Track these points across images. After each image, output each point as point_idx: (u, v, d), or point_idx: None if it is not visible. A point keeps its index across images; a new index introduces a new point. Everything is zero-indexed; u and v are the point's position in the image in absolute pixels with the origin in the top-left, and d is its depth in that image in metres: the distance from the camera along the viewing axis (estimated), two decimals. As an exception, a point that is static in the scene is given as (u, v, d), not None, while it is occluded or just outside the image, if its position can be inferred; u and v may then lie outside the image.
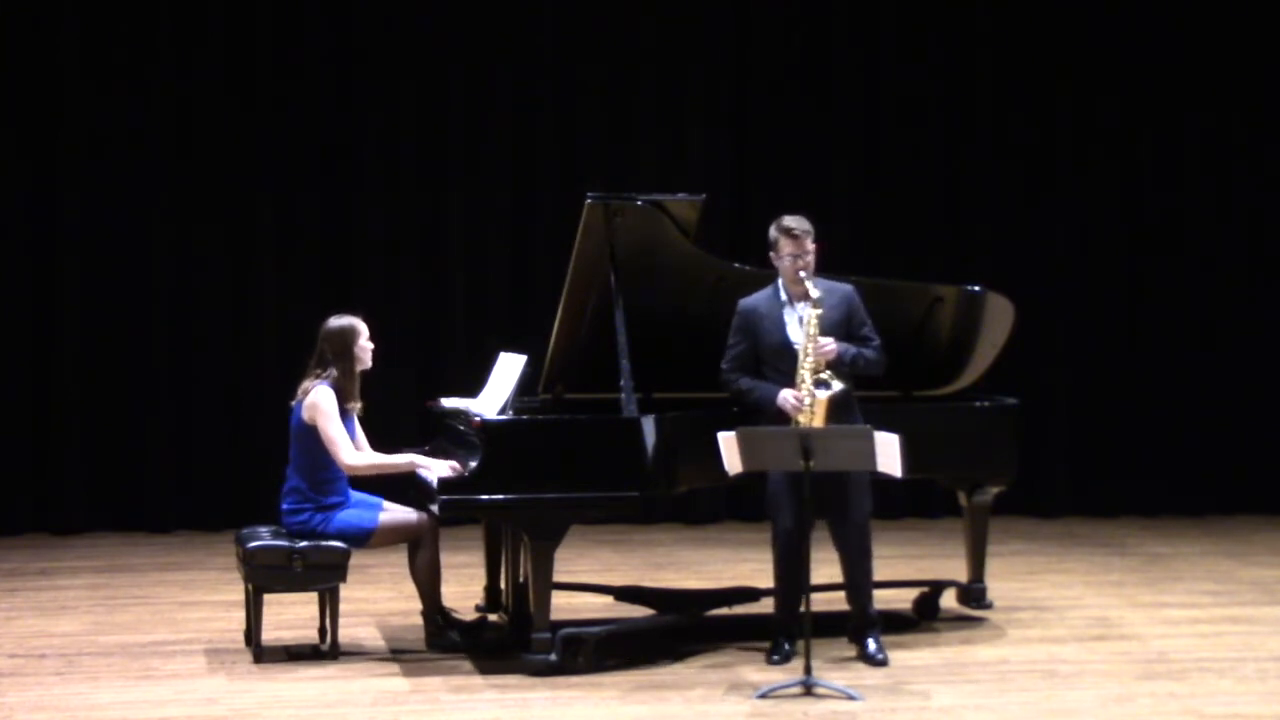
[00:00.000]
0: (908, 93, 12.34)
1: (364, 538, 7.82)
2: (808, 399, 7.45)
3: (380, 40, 11.85)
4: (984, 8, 12.40)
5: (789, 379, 7.54)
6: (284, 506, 7.87)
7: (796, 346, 7.54)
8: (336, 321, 7.93)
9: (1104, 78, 12.47)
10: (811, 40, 12.28)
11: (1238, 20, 12.54)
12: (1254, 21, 12.56)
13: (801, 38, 12.26)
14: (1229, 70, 12.54)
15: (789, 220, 7.66)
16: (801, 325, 7.56)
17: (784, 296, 7.69)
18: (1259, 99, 12.59)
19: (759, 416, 7.62)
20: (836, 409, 7.46)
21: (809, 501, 7.30)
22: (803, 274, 7.58)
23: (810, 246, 7.64)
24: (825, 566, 7.97)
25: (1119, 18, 12.47)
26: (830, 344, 7.50)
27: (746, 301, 7.79)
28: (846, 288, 7.78)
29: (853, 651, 7.85)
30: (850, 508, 7.66)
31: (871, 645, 7.78)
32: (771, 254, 7.69)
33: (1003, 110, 12.41)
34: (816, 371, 7.48)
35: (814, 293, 7.53)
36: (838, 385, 7.45)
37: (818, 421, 7.41)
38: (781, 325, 7.65)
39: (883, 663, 7.71)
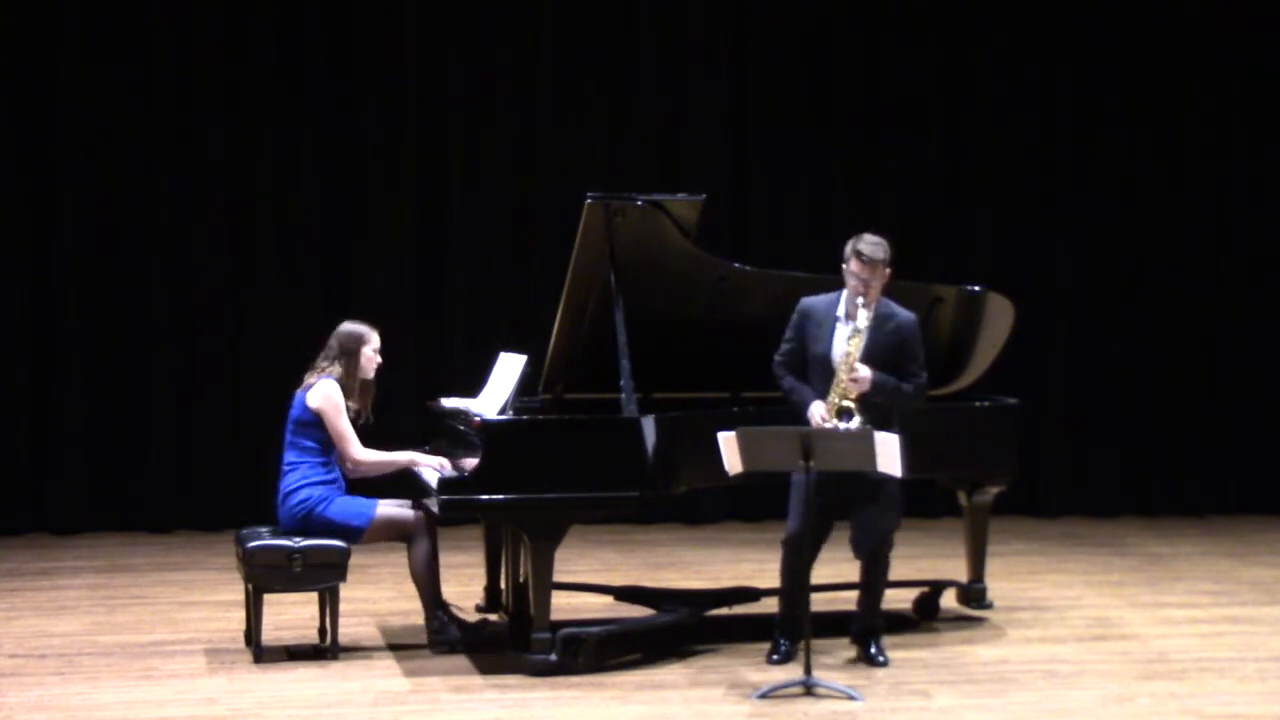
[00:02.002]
0: (907, 92, 12.34)
1: (360, 529, 7.84)
2: (829, 424, 7.43)
3: (380, 40, 11.85)
4: (984, 7, 12.40)
5: (825, 389, 7.53)
6: (282, 492, 7.87)
7: (837, 366, 7.52)
8: (351, 325, 8.06)
9: (1104, 76, 12.47)
10: (811, 40, 12.28)
11: (1238, 20, 12.53)
12: (1254, 22, 12.55)
13: (801, 38, 12.26)
14: (1229, 69, 12.54)
15: (865, 244, 7.54)
16: (846, 344, 7.53)
17: (842, 310, 7.63)
18: (1258, 98, 12.59)
19: (799, 420, 7.60)
20: None
21: (827, 504, 7.33)
22: (860, 299, 7.53)
23: (880, 274, 7.53)
24: (825, 566, 7.96)
25: (1120, 17, 12.47)
26: (865, 375, 7.45)
27: (807, 301, 7.74)
28: (909, 317, 7.69)
29: (853, 652, 7.85)
30: (879, 519, 7.64)
31: (873, 648, 7.79)
32: (844, 265, 7.61)
33: (1002, 110, 12.41)
34: (844, 398, 7.45)
35: (861, 323, 7.49)
36: (857, 420, 7.41)
37: None
38: (829, 337, 7.59)
39: (883, 664, 7.72)
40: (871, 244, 7.55)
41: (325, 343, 8.05)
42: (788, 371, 7.72)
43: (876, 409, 7.50)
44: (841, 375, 7.46)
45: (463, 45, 11.93)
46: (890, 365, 7.57)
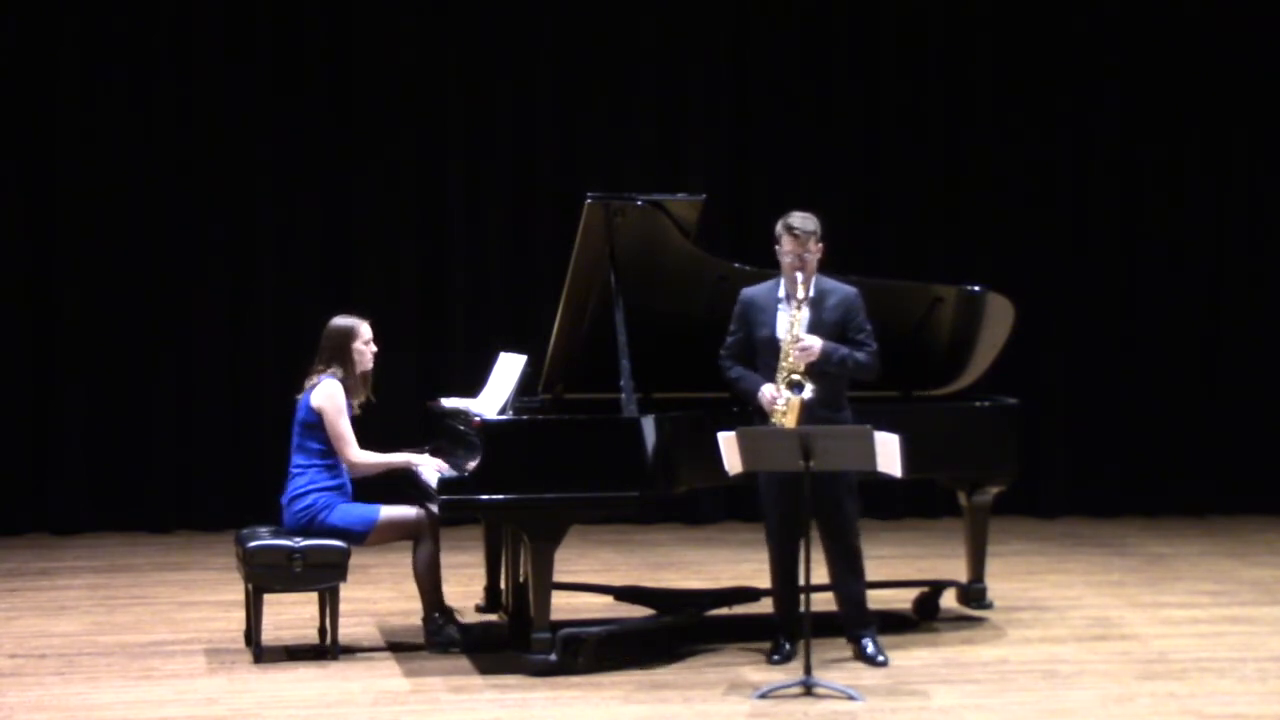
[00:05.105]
0: (907, 92, 12.34)
1: (364, 532, 7.84)
2: (781, 399, 7.45)
3: (380, 40, 11.85)
4: (984, 6, 12.40)
5: (774, 372, 7.55)
6: (288, 495, 7.88)
7: (782, 343, 7.55)
8: (338, 321, 8.02)
9: (1104, 76, 12.47)
10: (811, 40, 12.28)
11: (1238, 24, 12.53)
12: (1255, 24, 12.55)
13: (801, 37, 12.26)
14: (1229, 71, 12.54)
15: (794, 218, 7.63)
16: (789, 321, 7.56)
17: (782, 292, 7.68)
18: (1258, 100, 12.59)
19: (751, 410, 7.63)
20: (813, 411, 7.44)
21: (803, 501, 7.30)
22: (798, 275, 7.58)
23: (813, 247, 7.61)
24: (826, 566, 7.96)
25: (1120, 18, 12.47)
26: (812, 343, 7.48)
27: (748, 291, 7.79)
28: (849, 290, 7.74)
29: (852, 651, 7.83)
30: (834, 512, 7.65)
31: (870, 646, 7.77)
32: (775, 247, 7.68)
33: (1003, 110, 12.41)
34: (793, 372, 7.47)
35: (800, 293, 7.54)
36: (810, 389, 7.43)
37: (790, 421, 7.39)
38: (773, 320, 7.65)
39: (882, 663, 7.70)
40: (801, 218, 7.63)
41: (318, 343, 8.04)
42: (734, 362, 7.75)
43: (828, 379, 7.52)
44: (788, 350, 7.47)
45: (463, 45, 11.93)
46: (838, 340, 7.61)
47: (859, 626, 7.82)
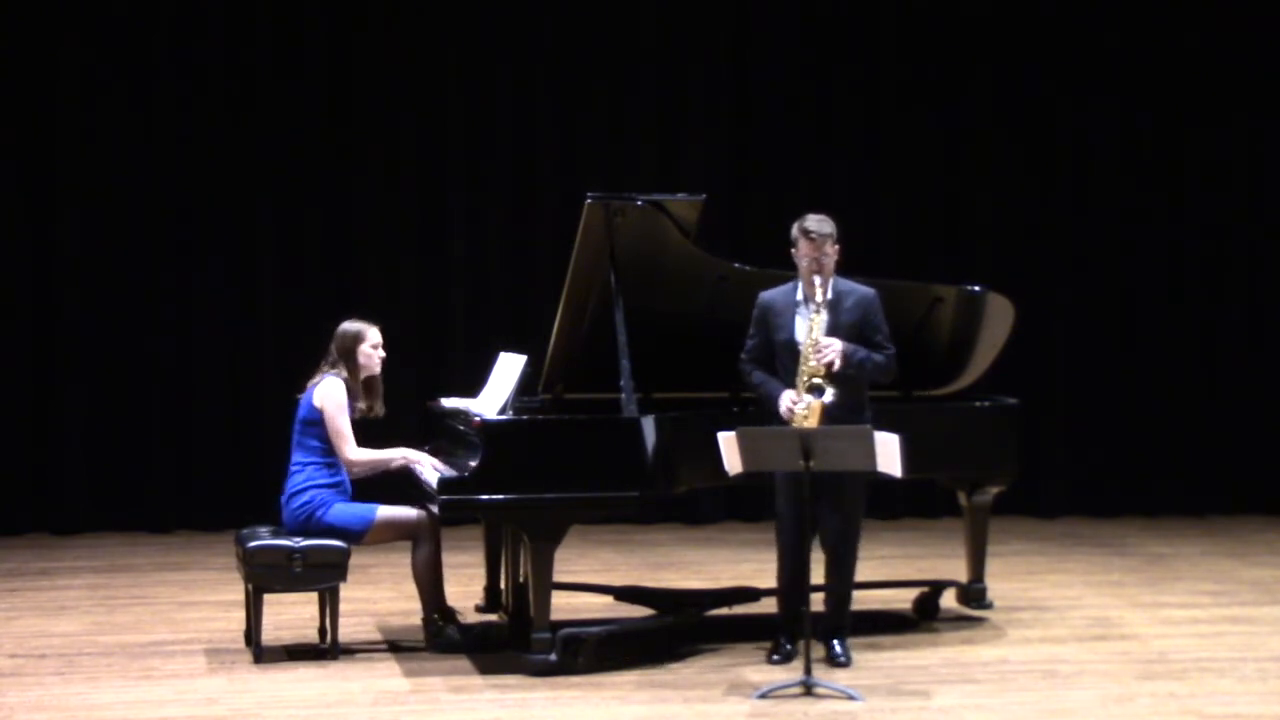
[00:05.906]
0: (908, 93, 12.34)
1: (361, 531, 7.84)
2: (801, 404, 7.44)
3: (380, 40, 11.85)
4: (985, 7, 12.40)
5: (793, 375, 7.54)
6: (287, 493, 7.89)
7: (802, 346, 7.54)
8: (347, 324, 8.06)
9: (1104, 77, 12.47)
10: (811, 40, 12.28)
11: (1239, 23, 12.53)
12: (1255, 24, 12.55)
13: (801, 37, 12.27)
14: (1229, 72, 12.54)
15: (810, 222, 7.59)
16: (809, 324, 7.55)
17: (800, 295, 7.66)
18: (1258, 101, 12.59)
19: (769, 413, 7.62)
20: (835, 414, 7.43)
21: (810, 501, 7.30)
22: (816, 278, 7.56)
23: (829, 250, 7.57)
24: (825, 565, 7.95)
25: (1121, 20, 12.47)
26: (833, 346, 7.47)
27: (765, 295, 7.77)
28: (868, 292, 7.71)
29: (823, 650, 7.79)
30: (842, 512, 7.64)
31: (837, 646, 7.75)
32: (792, 250, 7.66)
33: (1003, 110, 12.41)
34: (814, 376, 7.46)
35: (819, 297, 7.53)
36: (831, 393, 7.42)
37: (812, 425, 7.38)
38: (791, 323, 7.63)
39: (845, 664, 7.67)
40: (818, 220, 7.60)
41: (327, 346, 8.05)
42: (756, 366, 7.74)
43: (848, 382, 7.51)
44: (808, 354, 7.47)
45: (463, 45, 11.93)
46: (856, 341, 7.59)
47: (836, 628, 7.80)
